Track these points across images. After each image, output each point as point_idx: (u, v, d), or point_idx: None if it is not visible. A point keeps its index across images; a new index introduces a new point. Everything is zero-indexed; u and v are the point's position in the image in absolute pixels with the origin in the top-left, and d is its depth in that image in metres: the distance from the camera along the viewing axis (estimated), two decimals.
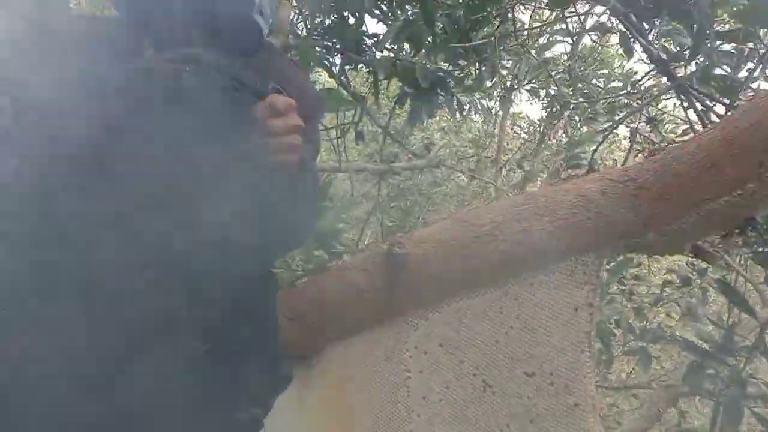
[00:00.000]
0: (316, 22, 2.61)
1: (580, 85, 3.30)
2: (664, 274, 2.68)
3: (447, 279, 1.19)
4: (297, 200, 1.05)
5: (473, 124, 4.25)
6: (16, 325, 0.84)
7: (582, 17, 3.00)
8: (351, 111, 2.75)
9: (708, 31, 1.96)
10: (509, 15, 2.74)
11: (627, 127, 2.98)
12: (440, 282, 1.19)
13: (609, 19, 2.85)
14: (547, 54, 3.31)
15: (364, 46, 2.57)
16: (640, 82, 2.91)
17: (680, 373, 2.33)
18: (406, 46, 2.62)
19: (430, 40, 2.50)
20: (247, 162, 0.93)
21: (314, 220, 1.34)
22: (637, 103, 2.91)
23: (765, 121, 0.98)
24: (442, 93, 2.71)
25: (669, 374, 2.84)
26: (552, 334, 1.08)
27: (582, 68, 3.37)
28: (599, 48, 3.51)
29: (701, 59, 2.09)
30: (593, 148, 3.08)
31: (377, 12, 2.59)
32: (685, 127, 2.88)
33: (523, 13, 3.32)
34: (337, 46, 2.56)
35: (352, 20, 2.56)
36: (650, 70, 2.47)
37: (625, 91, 3.25)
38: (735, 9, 1.95)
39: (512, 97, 3.67)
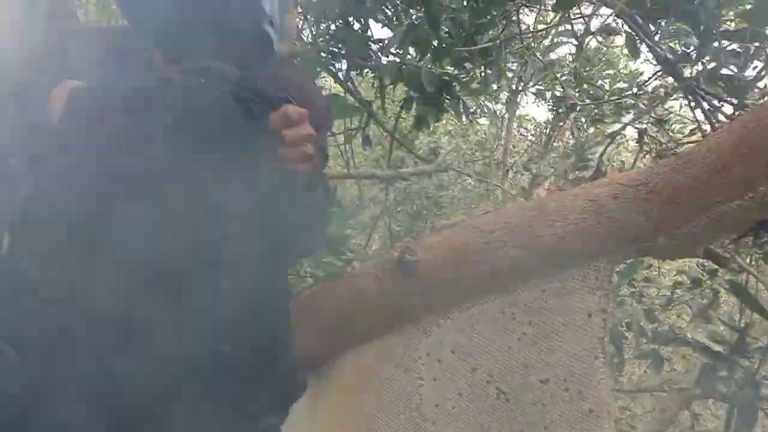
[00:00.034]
0: (322, 27, 2.61)
1: (585, 86, 3.29)
2: (675, 275, 2.67)
3: (458, 285, 1.19)
4: (309, 209, 1.05)
5: (480, 126, 4.25)
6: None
7: (587, 18, 2.99)
8: (358, 116, 2.75)
9: (715, 32, 1.96)
10: (514, 18, 2.74)
11: (634, 128, 2.97)
12: (451, 288, 1.19)
13: (614, 20, 2.85)
14: (552, 56, 3.31)
15: (369, 51, 2.57)
16: (647, 83, 2.90)
17: (693, 375, 2.32)
18: (412, 50, 2.62)
19: (435, 44, 2.50)
20: (260, 171, 0.93)
21: (325, 229, 1.35)
22: (644, 104, 2.90)
23: None
24: (448, 97, 2.71)
25: (681, 377, 2.82)
26: (565, 341, 1.08)
27: (587, 69, 3.36)
28: (604, 49, 3.51)
29: (708, 59, 2.08)
30: (600, 149, 3.08)
31: (382, 17, 2.59)
32: (693, 126, 2.87)
33: (527, 15, 3.32)
34: (343, 52, 2.56)
35: (357, 26, 2.56)
36: (657, 71, 2.46)
37: (631, 92, 3.24)
38: (741, 9, 1.94)
39: (518, 99, 3.66)
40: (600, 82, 3.46)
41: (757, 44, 1.95)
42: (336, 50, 2.53)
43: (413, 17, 2.53)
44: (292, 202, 0.97)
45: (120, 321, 0.86)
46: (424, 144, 3.82)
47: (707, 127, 2.52)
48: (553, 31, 3.13)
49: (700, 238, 1.07)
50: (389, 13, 2.59)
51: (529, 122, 4.43)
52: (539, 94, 3.36)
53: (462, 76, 2.71)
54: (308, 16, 2.58)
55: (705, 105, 2.20)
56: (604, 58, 3.50)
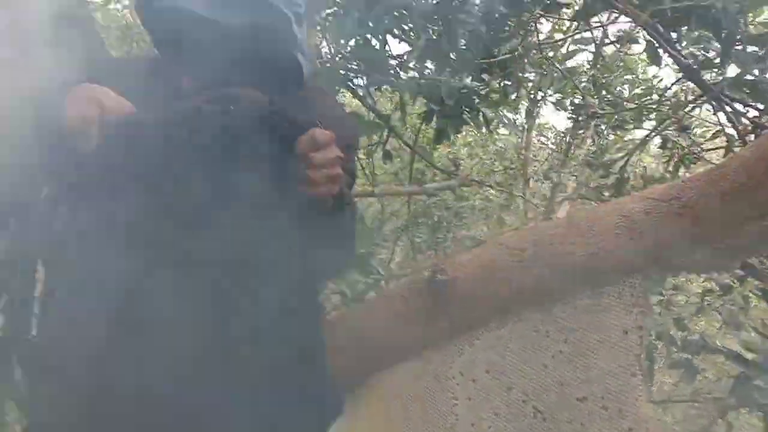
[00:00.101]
0: (341, 44, 2.63)
1: (604, 93, 3.28)
2: (703, 281, 2.63)
3: (489, 304, 1.18)
4: (338, 230, 1.06)
5: (499, 136, 4.23)
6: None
7: (605, 27, 2.99)
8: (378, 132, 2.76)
9: (738, 37, 1.94)
10: (532, 28, 2.74)
11: (657, 134, 2.95)
12: (483, 307, 1.19)
13: (633, 27, 2.84)
14: (570, 63, 3.30)
15: (388, 67, 2.58)
16: (669, 89, 2.88)
17: (725, 384, 2.28)
18: (430, 64, 2.63)
19: (453, 57, 2.51)
20: (290, 194, 0.94)
21: (354, 249, 1.35)
22: (666, 110, 2.88)
23: None
24: (467, 109, 2.71)
25: (713, 386, 2.78)
26: (601, 358, 1.07)
27: (606, 76, 3.35)
28: (622, 54, 3.49)
29: (731, 65, 2.07)
30: (622, 155, 3.06)
31: (399, 32, 2.60)
32: (716, 130, 2.84)
33: (541, 23, 3.32)
34: (362, 68, 2.58)
35: (375, 42, 2.58)
36: (679, 78, 2.44)
37: (651, 98, 3.22)
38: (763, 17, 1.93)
39: (537, 108, 3.65)
40: (618, 88, 3.44)
41: None
42: (355, 67, 2.55)
43: (431, 31, 2.54)
44: (321, 223, 0.98)
45: (158, 347, 0.87)
46: (443, 156, 3.82)
47: (731, 131, 2.49)
48: (570, 39, 3.12)
49: (737, 252, 1.06)
50: (407, 28, 2.60)
51: (549, 130, 4.42)
52: (559, 103, 3.35)
53: (481, 88, 2.71)
54: (327, 35, 2.59)
55: (728, 108, 2.18)
56: (622, 64, 3.48)
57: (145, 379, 0.86)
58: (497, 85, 2.83)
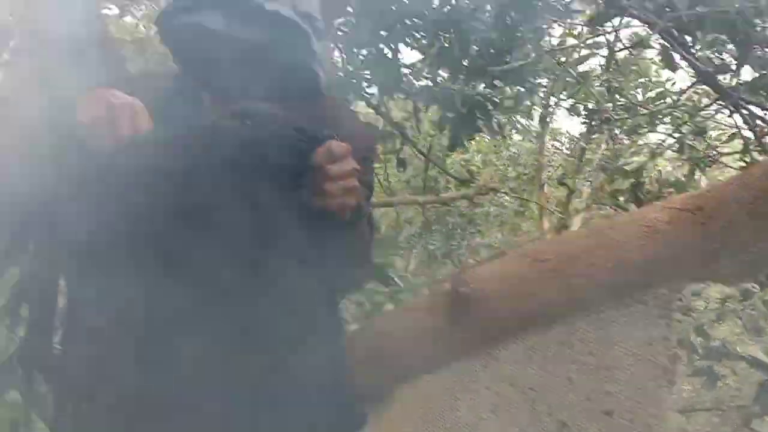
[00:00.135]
0: (353, 53, 2.64)
1: (617, 97, 3.26)
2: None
3: (512, 316, 1.17)
4: (355, 242, 1.06)
5: (513, 142, 4.22)
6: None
7: (617, 31, 2.97)
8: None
9: (755, 41, 1.93)
10: (544, 34, 2.73)
11: (672, 137, 2.93)
12: (506, 320, 1.18)
13: (646, 31, 2.82)
14: (582, 68, 3.28)
15: (401, 76, 2.59)
16: (683, 93, 2.86)
17: (748, 391, 2.25)
18: (442, 71, 2.63)
19: (466, 64, 2.51)
20: (307, 207, 0.94)
21: (372, 261, 1.35)
22: (680, 114, 2.86)
23: None
24: (480, 116, 2.71)
25: (734, 393, 2.74)
26: (628, 371, 1.06)
27: (619, 80, 3.33)
28: (635, 58, 3.47)
29: (748, 68, 2.05)
30: (638, 159, 3.03)
31: (410, 41, 2.61)
32: (731, 132, 2.82)
33: (553, 29, 3.31)
34: (375, 77, 2.59)
35: (387, 51, 2.59)
36: (694, 82, 2.43)
37: (664, 102, 3.20)
38: None
39: (550, 114, 3.64)
40: (632, 92, 3.42)
41: None
42: (368, 76, 2.56)
43: (443, 39, 2.54)
44: (338, 236, 0.98)
45: (181, 360, 0.87)
46: (456, 162, 3.82)
47: (747, 133, 2.47)
48: (584, 43, 3.11)
49: (763, 261, 1.04)
50: (419, 36, 2.60)
51: (562, 136, 4.40)
52: (572, 108, 3.33)
53: (494, 94, 2.71)
54: (340, 45, 2.60)
55: (744, 111, 2.17)
56: (635, 68, 3.46)
57: (169, 392, 0.86)
58: (510, 91, 2.82)
